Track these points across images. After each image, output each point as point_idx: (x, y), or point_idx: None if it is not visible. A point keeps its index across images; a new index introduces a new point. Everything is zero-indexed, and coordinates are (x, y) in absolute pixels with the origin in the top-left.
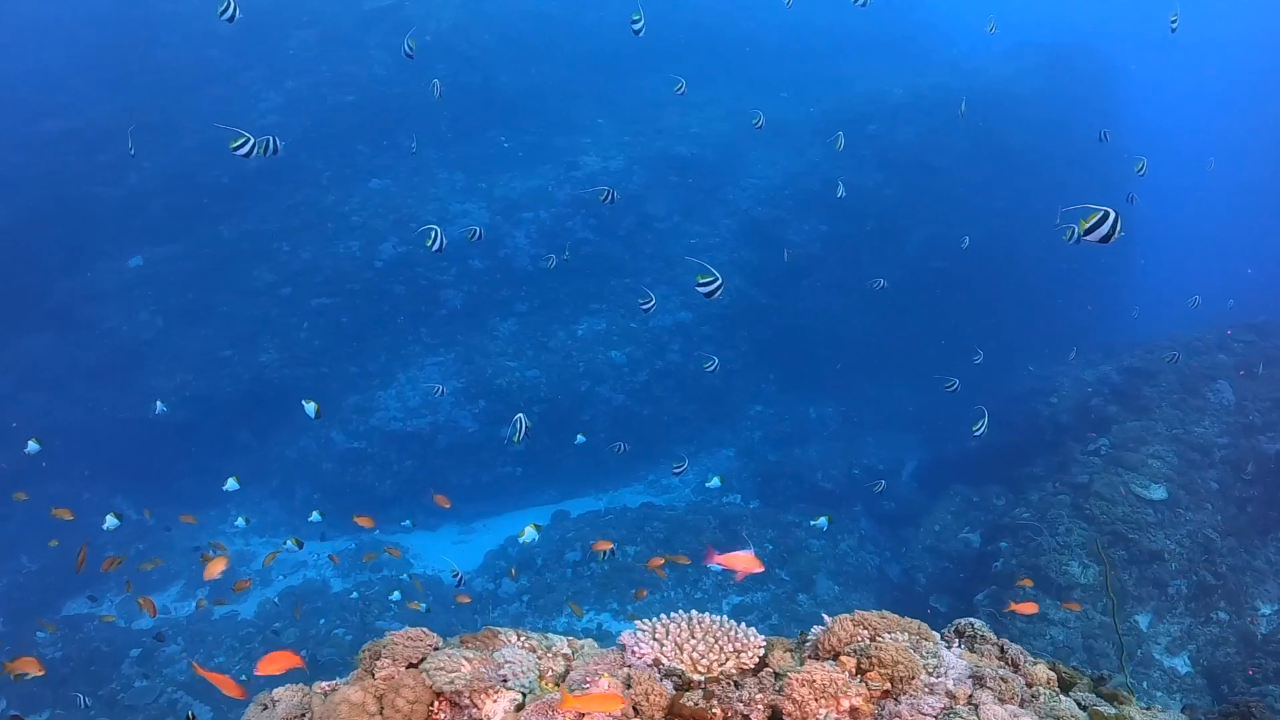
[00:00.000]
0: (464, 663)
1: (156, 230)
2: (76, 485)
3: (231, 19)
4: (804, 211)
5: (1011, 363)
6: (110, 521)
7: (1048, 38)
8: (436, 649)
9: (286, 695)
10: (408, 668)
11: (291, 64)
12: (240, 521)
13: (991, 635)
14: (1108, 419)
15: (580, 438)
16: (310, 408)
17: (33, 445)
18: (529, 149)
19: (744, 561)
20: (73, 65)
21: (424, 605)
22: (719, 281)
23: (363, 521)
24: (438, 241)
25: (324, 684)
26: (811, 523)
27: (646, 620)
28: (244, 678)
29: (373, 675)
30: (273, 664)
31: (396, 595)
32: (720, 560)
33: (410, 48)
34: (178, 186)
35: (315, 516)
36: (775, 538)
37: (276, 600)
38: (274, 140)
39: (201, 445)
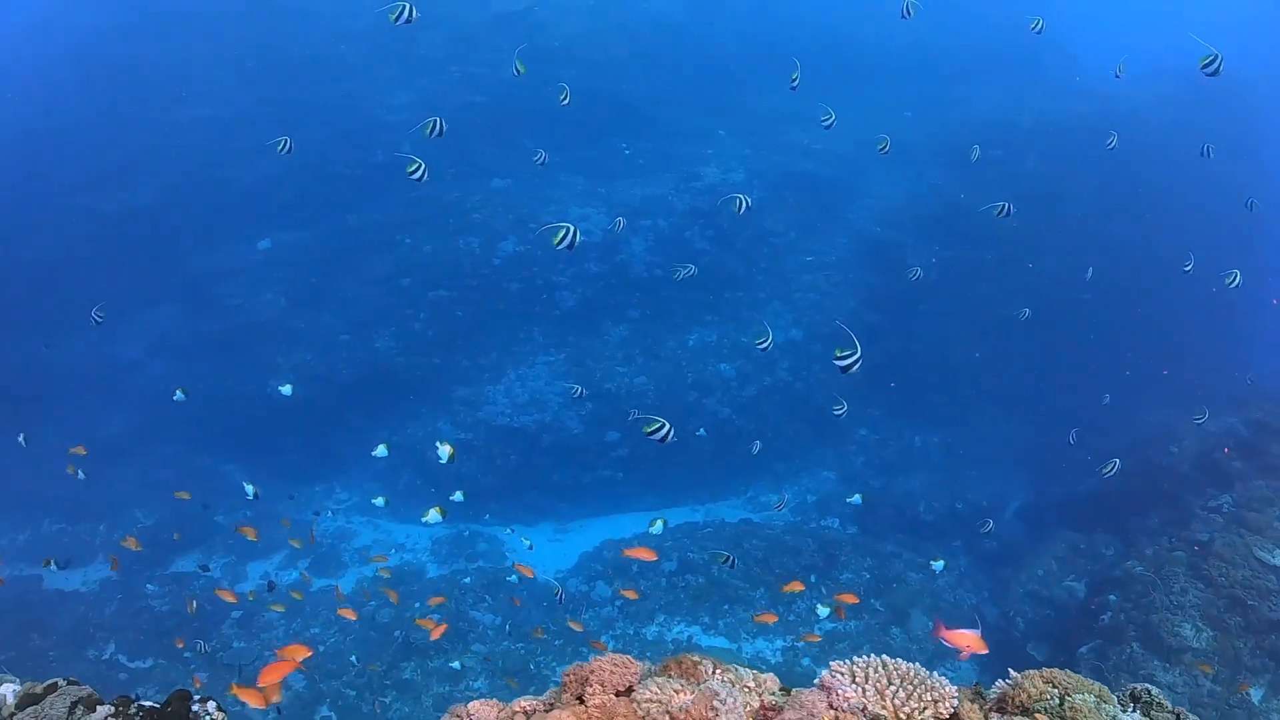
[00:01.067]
0: (675, 694)
1: (285, 216)
2: (190, 450)
3: (410, 19)
4: (923, 234)
5: (1129, 405)
6: (248, 489)
7: (1188, 63)
8: (642, 677)
9: (484, 711)
10: (616, 695)
11: (423, 63)
12: (379, 501)
13: (1168, 703)
14: (1232, 475)
15: (700, 431)
16: (444, 451)
17: (179, 395)
18: (650, 157)
19: (970, 641)
20: (213, 57)
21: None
22: (858, 355)
23: (437, 512)
24: (569, 238)
25: (525, 702)
26: (931, 563)
27: (842, 662)
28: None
29: (581, 701)
30: (273, 673)
31: (515, 577)
32: (947, 636)
33: (519, 70)
34: (308, 175)
35: (458, 496)
36: (872, 566)
37: (372, 579)
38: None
39: (313, 423)
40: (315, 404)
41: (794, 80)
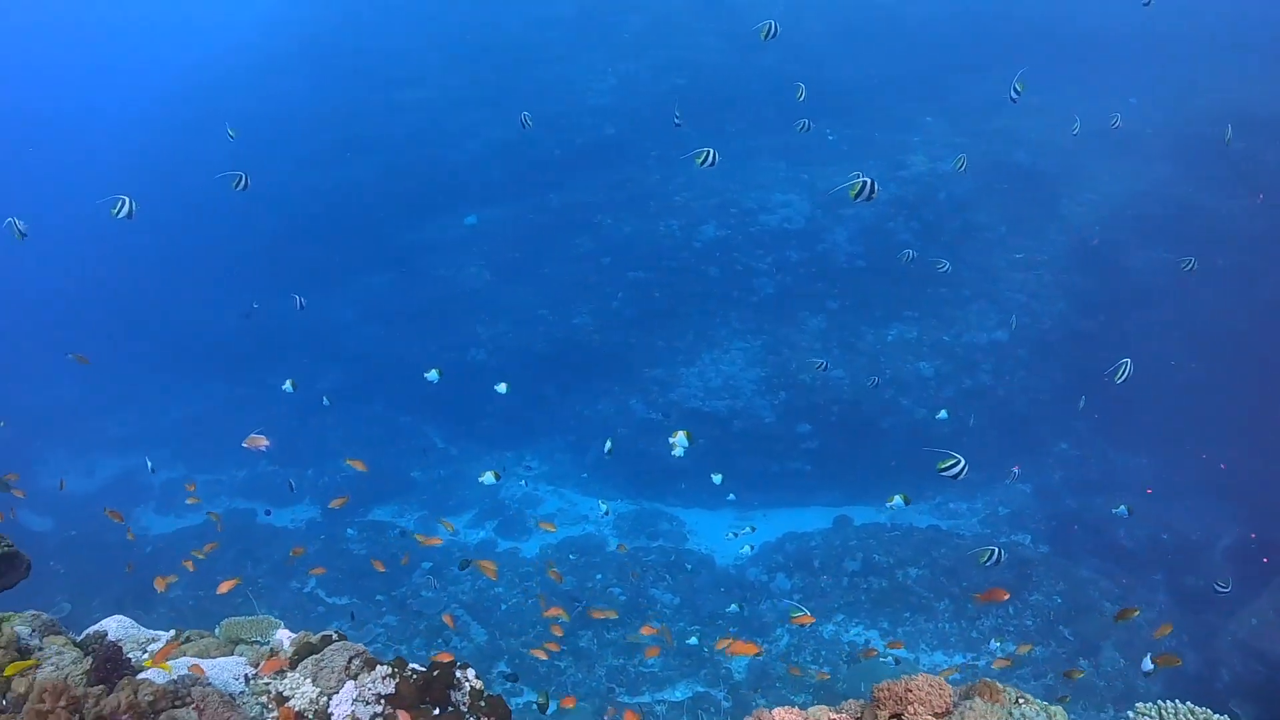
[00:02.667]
0: None
1: (491, 193)
2: (395, 409)
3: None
4: (1146, 236)
5: None
6: (487, 478)
7: None
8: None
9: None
10: (935, 717)
11: (625, 47)
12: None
13: None
14: None
15: (942, 413)
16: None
17: (432, 375)
18: (853, 143)
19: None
20: (427, 43)
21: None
22: (962, 466)
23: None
24: (868, 190)
25: (830, 714)
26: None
27: (1149, 705)
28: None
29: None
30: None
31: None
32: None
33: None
34: (514, 155)
35: (717, 479)
36: (1064, 591)
37: (556, 546)
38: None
39: (509, 392)
40: (511, 374)
41: (1016, 86)
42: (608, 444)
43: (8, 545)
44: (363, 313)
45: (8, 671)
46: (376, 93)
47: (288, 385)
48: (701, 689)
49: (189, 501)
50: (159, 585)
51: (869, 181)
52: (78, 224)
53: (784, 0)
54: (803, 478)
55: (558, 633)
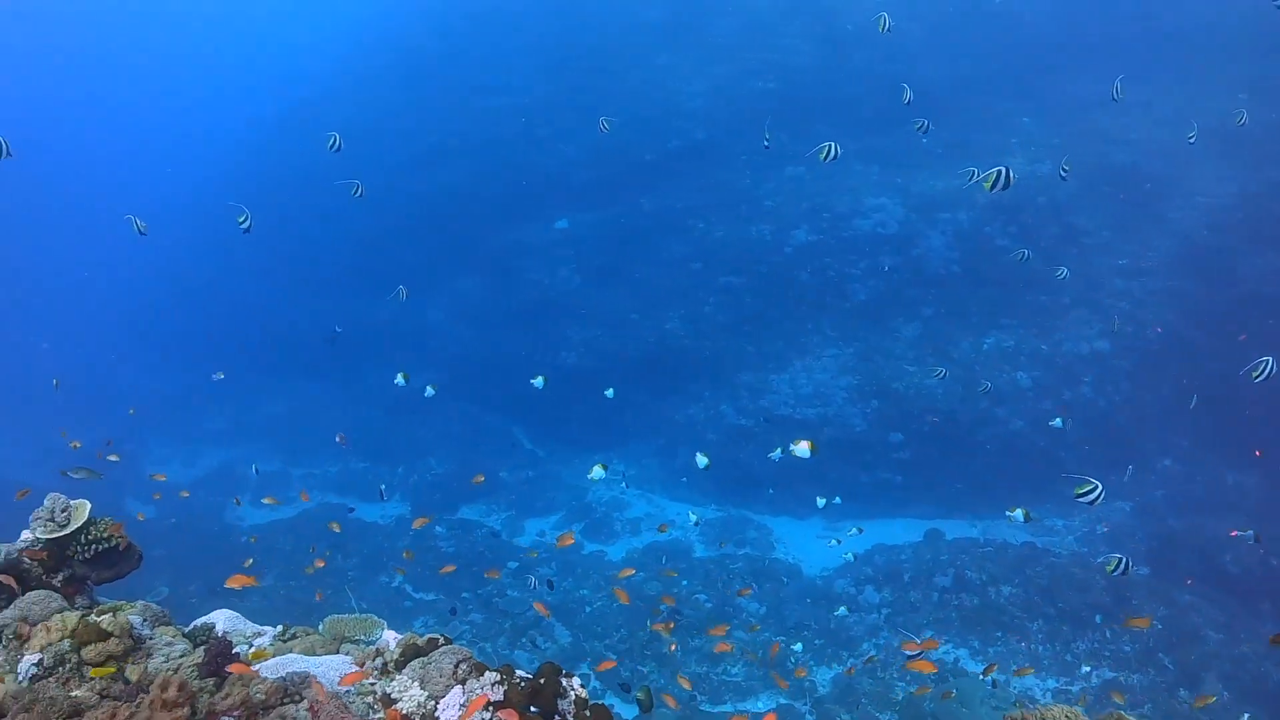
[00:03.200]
0: None
1: (583, 198)
2: (484, 409)
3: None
4: (1262, 241)
5: None
6: (596, 473)
7: None
8: None
9: None
10: None
11: (717, 51)
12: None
13: None
14: None
15: (1057, 421)
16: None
17: (538, 381)
18: (949, 146)
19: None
20: (519, 49)
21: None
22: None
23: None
24: (1003, 180)
25: None
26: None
27: None
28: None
29: None
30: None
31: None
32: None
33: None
34: (605, 160)
35: (822, 501)
36: (1165, 617)
37: (642, 551)
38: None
39: (597, 396)
40: (601, 378)
41: (1116, 92)
42: (703, 460)
43: (122, 537)
44: (455, 314)
45: (94, 674)
46: (470, 100)
47: (400, 379)
48: (785, 701)
49: (266, 501)
50: (235, 584)
51: (1004, 170)
52: (191, 227)
53: (877, 2)
54: (893, 489)
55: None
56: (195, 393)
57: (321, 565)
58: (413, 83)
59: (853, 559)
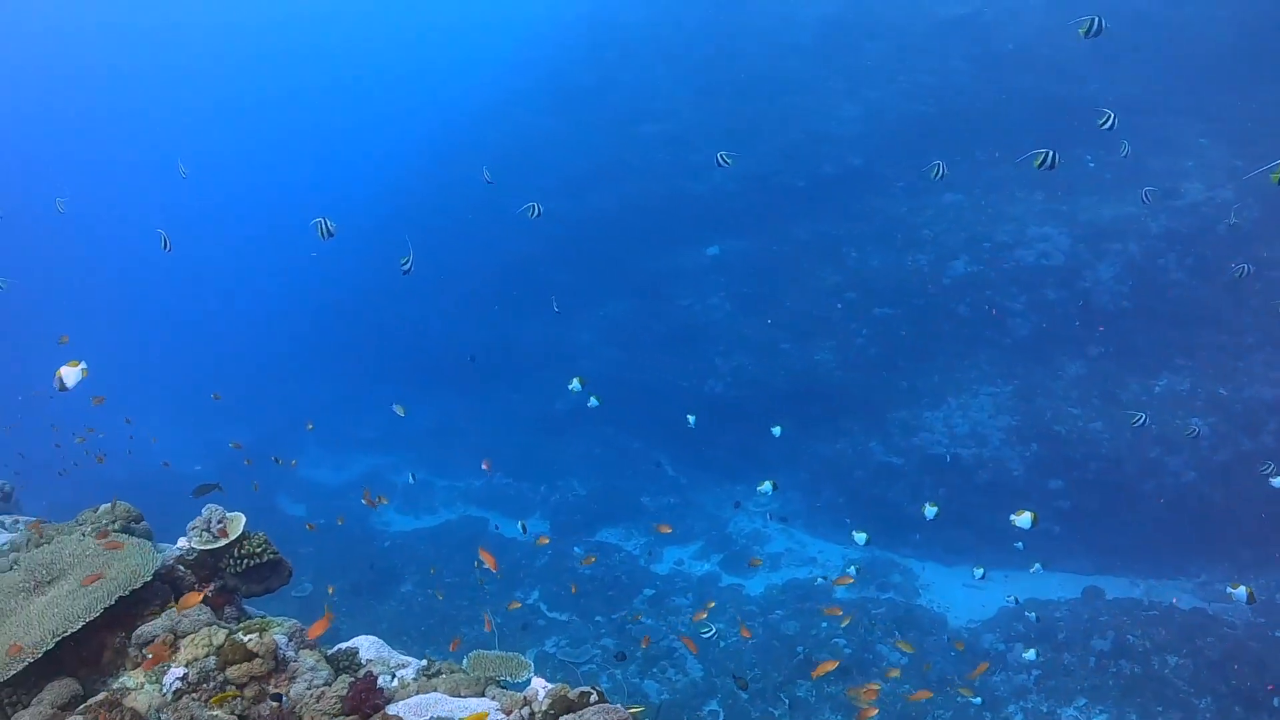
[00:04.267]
0: None
1: (734, 224)
2: (625, 432)
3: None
4: None
5: None
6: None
7: None
8: None
9: None
10: None
11: (869, 75)
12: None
13: None
14: None
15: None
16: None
17: (691, 420)
18: (1118, 170)
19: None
20: (670, 77)
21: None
22: None
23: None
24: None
25: None
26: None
27: None
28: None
29: None
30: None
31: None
32: None
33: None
34: (756, 186)
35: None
36: None
37: (781, 589)
38: None
39: (743, 425)
40: (747, 407)
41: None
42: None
43: (273, 553)
44: (602, 336)
45: (213, 701)
46: (622, 126)
47: (575, 383)
48: None
49: (377, 501)
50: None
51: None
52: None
53: (1038, 19)
54: (1051, 539)
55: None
56: (350, 402)
57: (440, 598)
58: (565, 109)
59: (1015, 603)
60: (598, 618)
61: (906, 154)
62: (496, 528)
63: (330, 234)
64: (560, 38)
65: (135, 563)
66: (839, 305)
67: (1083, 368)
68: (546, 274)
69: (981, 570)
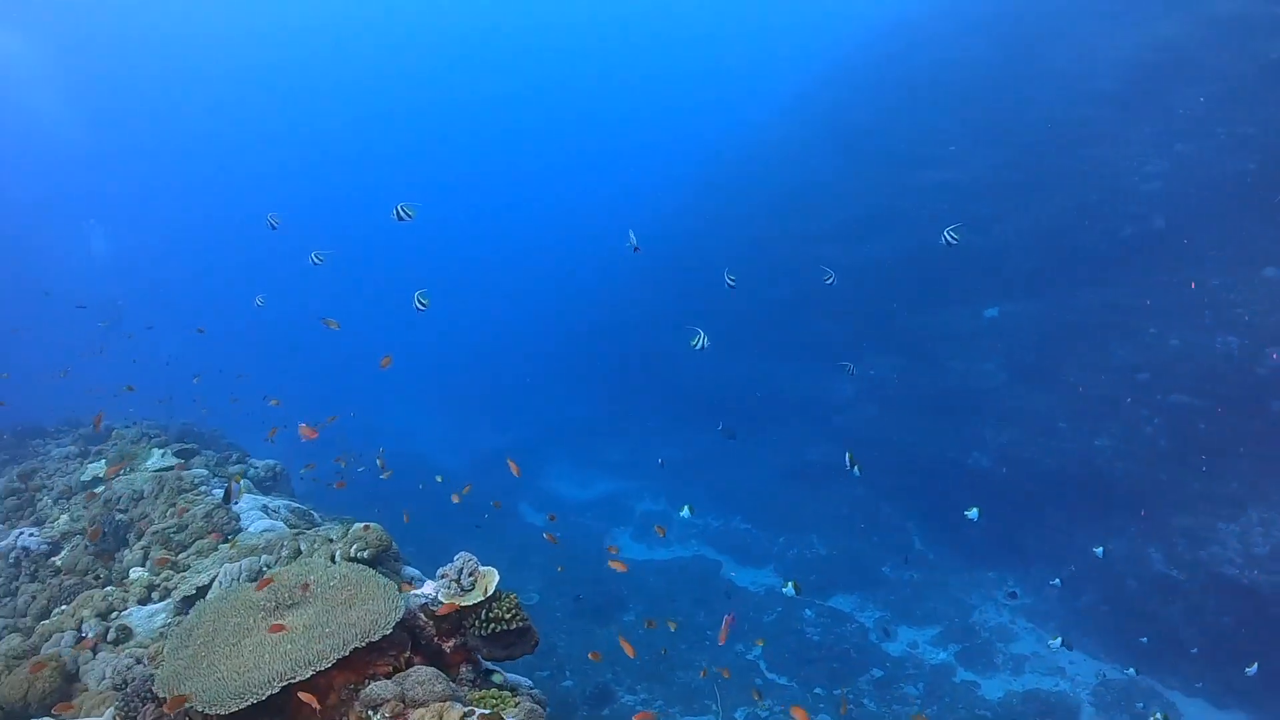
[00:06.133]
0: None
1: (1016, 285)
2: (877, 494)
3: None
4: None
5: None
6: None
7: None
8: None
9: None
10: None
11: (1182, 125)
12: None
13: None
14: None
15: None
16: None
17: (973, 514)
18: None
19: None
20: (955, 124)
21: None
22: None
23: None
24: None
25: None
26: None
27: None
28: None
29: None
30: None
31: None
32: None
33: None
34: (1044, 245)
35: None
36: None
37: (1021, 697)
38: None
39: (1005, 506)
40: (1013, 487)
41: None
42: None
43: (523, 619)
44: (862, 392)
45: None
46: (899, 173)
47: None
48: None
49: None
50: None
51: None
52: (624, 268)
53: None
54: None
55: None
56: (599, 424)
57: (631, 655)
58: (842, 152)
59: None
60: (817, 689)
61: (1220, 217)
62: (730, 579)
63: (409, 216)
64: (843, 75)
65: (378, 609)
66: (1129, 387)
67: None
68: (811, 321)
69: None
